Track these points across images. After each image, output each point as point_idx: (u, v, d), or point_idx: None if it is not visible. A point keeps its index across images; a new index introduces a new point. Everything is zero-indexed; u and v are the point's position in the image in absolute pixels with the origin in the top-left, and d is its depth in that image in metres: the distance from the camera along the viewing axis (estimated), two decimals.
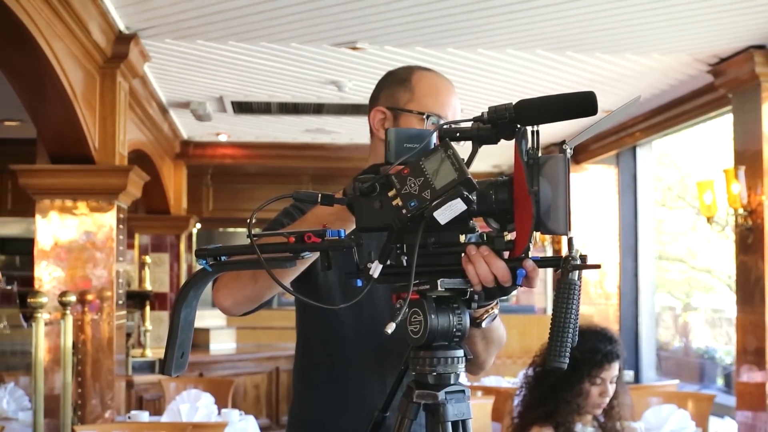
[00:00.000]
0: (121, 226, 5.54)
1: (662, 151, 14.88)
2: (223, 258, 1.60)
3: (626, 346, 9.47)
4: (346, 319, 2.05)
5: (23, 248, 8.63)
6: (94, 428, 4.60)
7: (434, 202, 1.45)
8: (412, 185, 1.47)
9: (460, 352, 1.61)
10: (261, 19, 5.29)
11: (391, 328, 1.48)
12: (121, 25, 5.39)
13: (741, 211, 6.04)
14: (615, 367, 3.33)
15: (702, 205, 6.55)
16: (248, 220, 1.57)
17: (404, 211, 1.47)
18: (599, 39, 5.67)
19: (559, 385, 3.27)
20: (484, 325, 1.81)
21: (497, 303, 1.76)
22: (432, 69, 2.16)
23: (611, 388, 3.33)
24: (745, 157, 6.13)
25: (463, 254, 1.52)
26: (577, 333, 1.45)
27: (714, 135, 12.92)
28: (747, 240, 6.10)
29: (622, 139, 8.81)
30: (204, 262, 1.59)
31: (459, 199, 1.44)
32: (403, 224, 1.48)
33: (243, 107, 7.74)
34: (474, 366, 2.09)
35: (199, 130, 9.05)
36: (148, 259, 8.84)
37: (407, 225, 1.48)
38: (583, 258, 1.46)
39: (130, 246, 8.79)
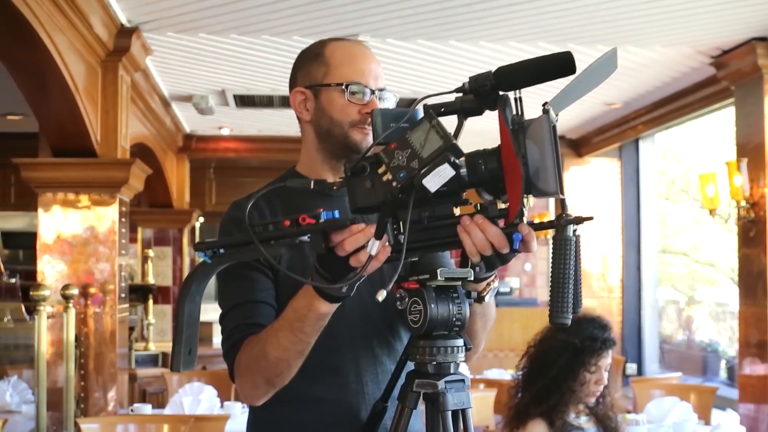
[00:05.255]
0: (123, 220, 5.55)
1: (665, 145, 14.85)
2: (221, 250, 1.60)
3: (629, 339, 9.55)
4: None
5: (26, 242, 8.62)
6: (97, 421, 4.60)
7: (422, 170, 1.46)
8: (400, 158, 1.48)
9: (459, 342, 1.61)
10: (263, 12, 5.29)
11: (381, 295, 1.47)
12: (123, 19, 5.39)
13: (743, 203, 6.03)
14: (610, 355, 3.35)
15: (704, 198, 6.54)
16: (246, 210, 1.57)
17: (394, 183, 1.48)
18: (601, 31, 5.66)
19: (562, 375, 3.27)
20: (487, 298, 1.76)
21: (497, 277, 1.74)
22: (346, 38, 2.07)
23: (606, 376, 3.34)
24: (748, 149, 6.13)
25: (458, 225, 1.52)
26: (581, 289, 1.45)
27: (717, 127, 12.90)
28: (749, 232, 6.09)
29: (625, 132, 8.81)
30: (204, 254, 1.60)
31: (447, 165, 1.45)
32: (394, 197, 1.49)
33: (245, 101, 7.74)
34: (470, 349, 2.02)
35: (202, 123, 9.05)
36: (151, 252, 8.85)
37: (399, 199, 1.49)
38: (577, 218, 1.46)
39: (133, 240, 8.81)
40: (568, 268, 1.41)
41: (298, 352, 1.75)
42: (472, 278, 1.61)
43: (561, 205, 1.46)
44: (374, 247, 1.51)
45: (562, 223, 1.43)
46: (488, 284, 1.73)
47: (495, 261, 1.54)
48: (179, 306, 1.65)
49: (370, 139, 1.91)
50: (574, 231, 1.44)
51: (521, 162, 1.42)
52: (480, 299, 1.75)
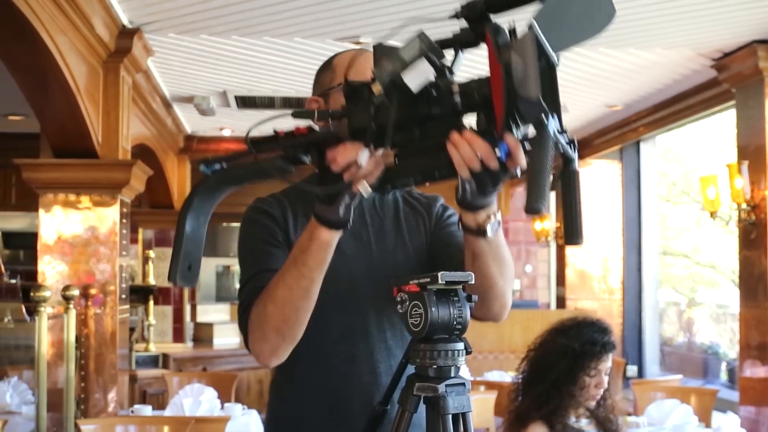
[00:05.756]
0: (124, 221, 5.55)
1: (666, 147, 14.87)
2: (223, 164, 1.71)
3: (630, 341, 9.55)
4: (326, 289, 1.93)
5: (27, 242, 8.63)
6: (97, 422, 4.60)
7: (403, 69, 1.50)
8: (389, 67, 1.52)
9: (460, 345, 1.61)
10: (264, 14, 5.29)
11: (364, 187, 1.57)
12: (125, 20, 5.39)
13: (744, 206, 6.03)
14: (610, 359, 3.33)
15: (705, 200, 6.54)
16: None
17: (381, 88, 1.53)
18: (602, 34, 5.65)
19: (562, 379, 3.26)
20: (489, 231, 1.72)
21: (498, 209, 1.73)
22: (357, 49, 2.16)
23: (605, 380, 3.33)
24: (749, 151, 6.13)
25: (448, 142, 1.54)
26: (581, 218, 1.46)
27: (718, 130, 12.91)
28: (750, 235, 6.09)
29: (626, 134, 8.81)
30: (207, 168, 1.69)
31: (425, 61, 1.50)
32: (382, 99, 1.53)
33: (246, 102, 7.73)
34: (492, 298, 1.88)
35: (203, 124, 9.05)
36: (151, 253, 8.85)
37: (387, 107, 1.54)
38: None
39: (134, 240, 8.81)
40: (546, 157, 1.40)
41: (303, 289, 1.77)
42: (472, 281, 1.61)
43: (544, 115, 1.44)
44: (363, 156, 1.56)
45: (542, 124, 1.42)
46: (488, 216, 1.71)
47: (485, 179, 1.55)
48: (180, 219, 1.72)
49: None
50: (555, 135, 1.42)
51: (503, 71, 1.44)
52: (482, 232, 1.73)
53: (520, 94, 1.42)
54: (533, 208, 1.39)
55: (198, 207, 1.74)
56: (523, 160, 1.49)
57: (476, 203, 1.65)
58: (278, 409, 2.08)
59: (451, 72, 1.53)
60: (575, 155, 1.48)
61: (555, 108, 1.44)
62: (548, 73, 1.46)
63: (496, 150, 1.50)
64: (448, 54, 1.57)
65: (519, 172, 1.53)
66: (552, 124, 1.41)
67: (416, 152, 1.58)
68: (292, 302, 1.79)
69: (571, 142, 1.47)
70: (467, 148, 1.51)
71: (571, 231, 1.46)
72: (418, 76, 1.50)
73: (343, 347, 1.97)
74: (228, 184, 1.76)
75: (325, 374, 1.98)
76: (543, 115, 1.41)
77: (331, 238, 1.72)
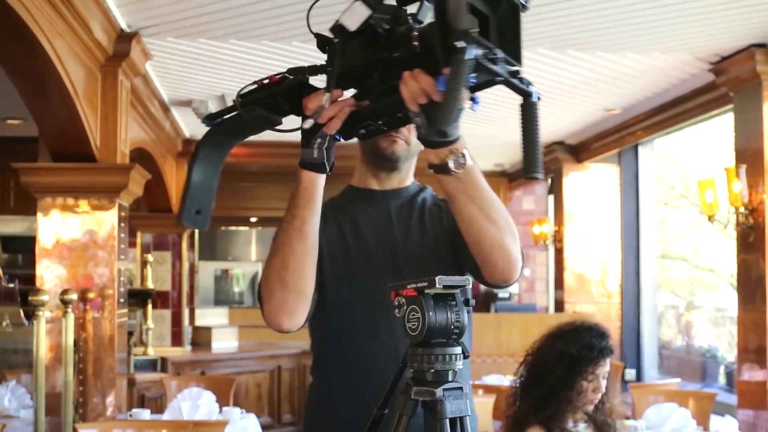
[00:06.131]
0: (122, 225, 5.54)
1: (665, 150, 14.87)
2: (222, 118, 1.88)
3: (628, 345, 9.56)
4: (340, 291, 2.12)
5: (25, 246, 8.60)
6: (96, 426, 4.60)
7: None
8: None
9: (458, 349, 1.61)
10: (263, 18, 5.29)
11: (308, 123, 1.77)
12: (123, 24, 5.39)
13: (742, 209, 6.04)
14: (608, 363, 3.33)
15: (703, 204, 6.54)
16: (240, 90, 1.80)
17: (331, 31, 1.68)
18: (600, 37, 5.66)
19: (559, 384, 3.26)
20: (452, 166, 1.77)
21: (461, 145, 1.77)
22: None
23: (603, 384, 3.32)
24: (747, 155, 6.13)
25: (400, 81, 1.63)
26: (538, 152, 1.51)
27: (717, 133, 12.91)
28: (748, 238, 6.10)
29: (624, 137, 8.81)
30: (208, 122, 1.88)
31: (360, 2, 1.62)
32: (333, 46, 1.70)
33: None
34: (491, 249, 1.91)
35: (201, 128, 8.96)
36: (150, 257, 8.84)
37: (335, 44, 1.70)
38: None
39: (132, 244, 8.80)
40: (457, 82, 1.43)
41: (296, 230, 1.92)
42: (469, 285, 1.62)
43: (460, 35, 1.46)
44: (325, 98, 1.70)
45: (457, 49, 1.44)
46: (450, 150, 1.77)
47: (433, 113, 1.60)
48: (189, 168, 1.88)
49: (397, 146, 2.13)
50: (472, 61, 1.44)
51: (437, 8, 1.50)
52: (445, 169, 1.78)
53: (452, 27, 1.46)
54: (440, 132, 1.44)
55: (205, 157, 1.89)
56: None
57: (429, 138, 1.71)
58: (311, 405, 2.23)
59: (419, 21, 1.62)
60: (531, 88, 1.54)
61: (514, 50, 1.51)
62: (511, 14, 1.53)
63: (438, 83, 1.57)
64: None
65: (475, 107, 1.63)
66: (473, 51, 1.44)
67: (382, 95, 1.69)
68: (290, 244, 1.92)
69: (515, 74, 1.53)
70: (413, 83, 1.60)
71: (529, 164, 1.50)
72: (353, 16, 1.64)
73: (369, 344, 2.08)
74: (229, 135, 1.93)
75: (352, 371, 2.09)
76: (461, 40, 1.44)
77: (311, 179, 1.91)
